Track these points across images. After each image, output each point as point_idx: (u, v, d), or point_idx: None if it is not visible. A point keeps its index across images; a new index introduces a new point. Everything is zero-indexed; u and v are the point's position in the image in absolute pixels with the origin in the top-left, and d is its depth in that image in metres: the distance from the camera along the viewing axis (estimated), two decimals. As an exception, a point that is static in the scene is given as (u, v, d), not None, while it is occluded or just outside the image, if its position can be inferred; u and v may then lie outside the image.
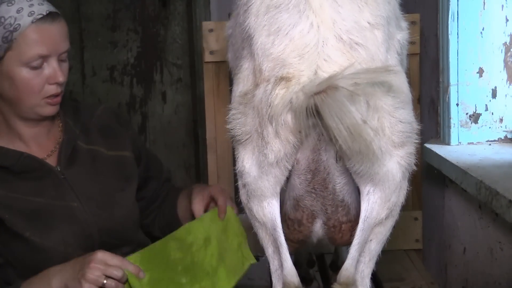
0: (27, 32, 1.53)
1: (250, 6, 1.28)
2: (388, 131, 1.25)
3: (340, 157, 1.24)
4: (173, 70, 3.58)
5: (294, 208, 1.34)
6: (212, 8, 3.39)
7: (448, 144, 1.90)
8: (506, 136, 1.89)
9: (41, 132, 1.67)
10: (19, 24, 1.52)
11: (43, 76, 1.56)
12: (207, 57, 2.15)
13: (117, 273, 1.45)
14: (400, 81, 1.29)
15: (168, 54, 3.56)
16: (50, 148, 1.68)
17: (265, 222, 1.33)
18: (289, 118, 1.20)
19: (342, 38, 1.21)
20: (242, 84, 1.33)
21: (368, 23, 1.23)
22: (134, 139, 1.82)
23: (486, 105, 1.88)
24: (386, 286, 1.91)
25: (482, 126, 1.89)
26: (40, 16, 1.54)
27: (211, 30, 2.13)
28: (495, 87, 1.88)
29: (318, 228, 1.35)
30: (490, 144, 1.88)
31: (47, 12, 1.56)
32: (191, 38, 3.49)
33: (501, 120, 1.89)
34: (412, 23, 2.11)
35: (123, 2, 3.50)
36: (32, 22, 1.53)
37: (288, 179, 1.32)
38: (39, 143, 1.66)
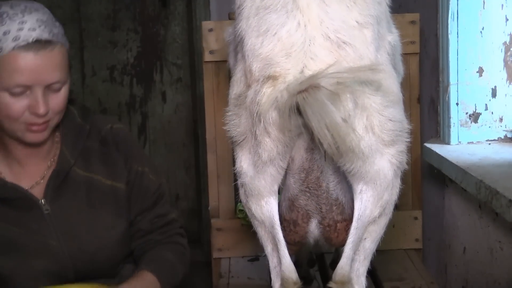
0: (7, 58, 1.42)
1: (242, 9, 1.30)
2: (378, 129, 1.25)
3: (330, 155, 1.24)
4: (173, 70, 3.57)
5: (289, 208, 1.35)
6: (212, 8, 3.39)
7: (448, 143, 1.90)
8: (506, 136, 1.89)
9: (37, 153, 1.58)
10: (1, 48, 1.42)
11: (24, 103, 1.46)
12: (207, 57, 2.15)
13: None
14: (390, 81, 1.29)
15: (168, 54, 3.56)
16: (45, 171, 1.59)
17: (264, 220, 1.34)
18: (275, 115, 1.21)
19: (329, 37, 1.22)
20: (236, 86, 1.34)
21: (357, 22, 1.24)
22: (131, 171, 1.67)
23: (486, 104, 1.88)
24: (386, 285, 1.91)
25: (482, 125, 1.89)
26: (24, 43, 1.42)
27: (211, 30, 2.13)
28: (495, 87, 1.87)
29: (313, 228, 1.34)
30: (490, 144, 1.88)
31: (34, 40, 1.43)
32: (191, 38, 3.49)
33: (501, 119, 1.89)
34: (412, 22, 2.11)
35: (123, 2, 3.50)
36: (14, 48, 1.42)
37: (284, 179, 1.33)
38: (35, 163, 1.59)
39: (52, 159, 1.61)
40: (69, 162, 1.59)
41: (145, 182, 1.68)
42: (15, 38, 1.42)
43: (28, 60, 1.43)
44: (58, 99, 1.50)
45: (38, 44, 1.44)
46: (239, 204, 2.12)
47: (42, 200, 1.56)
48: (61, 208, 1.57)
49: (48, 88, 1.47)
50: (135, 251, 1.69)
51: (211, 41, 2.13)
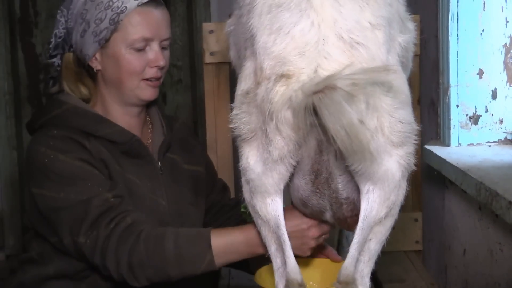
0: (133, 14, 1.61)
1: (254, 6, 1.29)
2: (387, 130, 1.25)
3: (344, 156, 1.24)
4: (174, 71, 3.58)
5: (302, 205, 1.39)
6: (212, 9, 3.40)
7: (448, 145, 1.90)
8: (506, 138, 1.89)
9: (136, 125, 1.71)
10: (126, 7, 1.60)
11: (145, 58, 1.63)
12: (207, 58, 2.15)
13: None
14: (401, 82, 1.29)
15: (169, 55, 3.56)
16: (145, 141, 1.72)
17: (269, 219, 1.34)
18: (289, 115, 1.21)
19: (342, 37, 1.22)
20: (244, 82, 1.33)
21: (369, 23, 1.24)
22: (206, 156, 1.88)
23: (486, 106, 1.88)
24: (386, 287, 1.92)
25: (482, 127, 1.89)
26: (145, 0, 1.62)
27: (211, 32, 2.13)
28: (495, 89, 1.88)
29: (328, 217, 1.40)
30: (490, 146, 1.88)
31: None
32: (191, 39, 3.50)
33: (501, 121, 1.89)
34: (412, 24, 2.12)
35: (123, 3, 3.50)
36: (138, 5, 1.61)
37: (292, 180, 1.33)
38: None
39: (147, 135, 1.75)
40: (169, 137, 1.76)
41: (213, 170, 1.90)
42: None
43: (151, 14, 1.63)
44: (167, 57, 1.69)
45: (155, 2, 1.65)
46: (240, 205, 2.12)
47: (159, 162, 1.70)
48: (165, 175, 1.71)
49: (161, 45, 1.66)
50: None
51: (212, 42, 2.13)
